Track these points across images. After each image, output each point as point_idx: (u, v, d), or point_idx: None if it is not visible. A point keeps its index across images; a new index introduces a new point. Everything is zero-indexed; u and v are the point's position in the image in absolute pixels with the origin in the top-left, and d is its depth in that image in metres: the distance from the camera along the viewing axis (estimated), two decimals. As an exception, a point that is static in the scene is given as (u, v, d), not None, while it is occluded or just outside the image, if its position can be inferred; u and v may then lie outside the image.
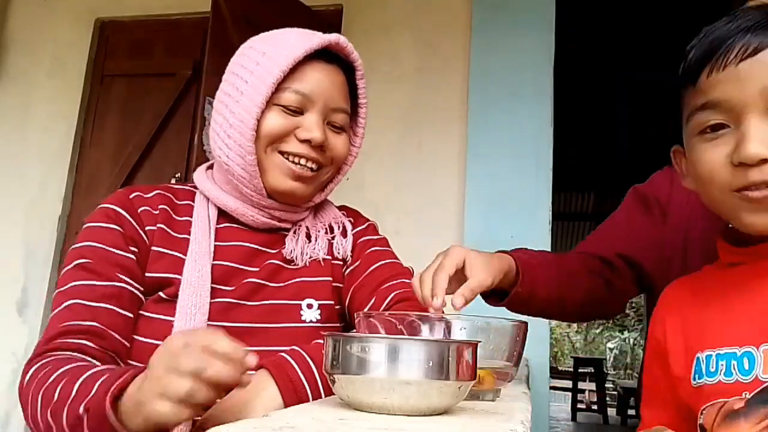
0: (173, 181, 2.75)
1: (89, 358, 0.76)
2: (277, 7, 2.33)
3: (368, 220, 1.06)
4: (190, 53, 2.88)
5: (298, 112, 0.90)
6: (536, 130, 2.30)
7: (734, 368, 0.67)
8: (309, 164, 0.91)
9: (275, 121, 0.89)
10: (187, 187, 0.98)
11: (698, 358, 0.71)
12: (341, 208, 1.06)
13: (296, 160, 0.90)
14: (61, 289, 0.81)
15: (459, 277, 0.80)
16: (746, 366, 0.66)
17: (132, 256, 0.84)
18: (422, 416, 0.50)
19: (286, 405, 0.68)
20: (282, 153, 0.90)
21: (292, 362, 0.72)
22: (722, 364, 0.68)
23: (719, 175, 0.66)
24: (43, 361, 0.74)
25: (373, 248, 0.99)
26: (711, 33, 0.67)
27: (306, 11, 2.51)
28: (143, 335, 0.82)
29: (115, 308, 0.80)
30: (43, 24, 3.13)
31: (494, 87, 2.38)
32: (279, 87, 0.88)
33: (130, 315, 0.82)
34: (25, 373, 0.75)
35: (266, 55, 0.88)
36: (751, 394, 0.65)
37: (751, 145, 0.63)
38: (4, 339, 2.78)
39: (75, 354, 0.75)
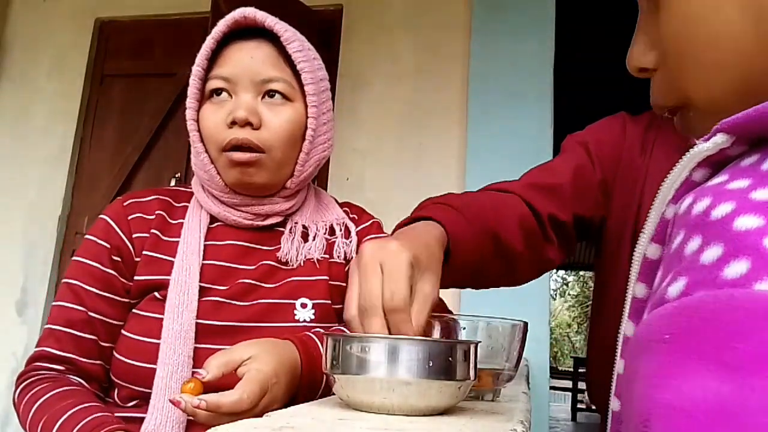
0: (173, 181, 2.75)
1: (72, 376, 0.85)
2: (276, 7, 2.32)
3: (372, 217, 1.04)
4: (190, 53, 2.85)
5: (226, 93, 0.90)
6: (536, 131, 2.30)
7: None
8: (244, 149, 0.87)
9: (207, 115, 0.90)
10: (188, 189, 0.99)
11: None
12: (344, 204, 1.04)
13: (233, 149, 0.88)
14: (55, 303, 0.88)
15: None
16: None
17: (112, 271, 0.88)
18: (422, 416, 0.50)
19: (304, 371, 0.77)
20: (223, 151, 0.88)
21: (316, 339, 0.81)
22: None
23: None
24: (31, 379, 0.83)
25: None
26: None
27: (306, 11, 2.51)
28: (133, 332, 0.85)
29: (94, 338, 0.85)
30: (43, 24, 3.13)
31: (494, 87, 2.38)
32: (207, 78, 0.91)
33: (108, 345, 0.87)
34: (16, 386, 0.84)
35: (199, 53, 0.93)
36: None
37: None
38: (4, 339, 2.78)
39: (58, 375, 0.84)
